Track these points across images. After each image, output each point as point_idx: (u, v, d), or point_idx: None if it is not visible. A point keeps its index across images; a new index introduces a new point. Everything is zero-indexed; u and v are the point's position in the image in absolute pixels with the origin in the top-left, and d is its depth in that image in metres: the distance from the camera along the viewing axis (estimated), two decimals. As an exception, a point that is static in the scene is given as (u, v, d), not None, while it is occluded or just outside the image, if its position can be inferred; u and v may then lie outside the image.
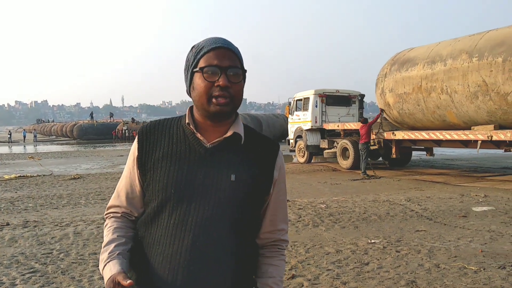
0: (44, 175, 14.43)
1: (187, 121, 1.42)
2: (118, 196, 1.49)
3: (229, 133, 1.41)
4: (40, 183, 12.35)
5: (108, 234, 1.43)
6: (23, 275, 4.50)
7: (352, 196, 9.21)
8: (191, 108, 1.47)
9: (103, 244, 1.41)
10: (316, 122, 16.94)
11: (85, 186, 11.54)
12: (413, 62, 12.65)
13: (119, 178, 1.52)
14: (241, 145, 1.44)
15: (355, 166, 14.29)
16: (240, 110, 1.51)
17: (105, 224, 1.49)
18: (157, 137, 1.44)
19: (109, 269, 1.32)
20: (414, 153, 16.19)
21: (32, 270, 4.66)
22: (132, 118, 59.53)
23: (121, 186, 1.49)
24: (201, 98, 1.37)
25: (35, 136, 55.51)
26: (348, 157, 14.89)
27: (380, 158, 15.58)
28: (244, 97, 1.52)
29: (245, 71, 1.43)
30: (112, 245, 1.38)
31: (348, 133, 15.91)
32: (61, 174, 14.73)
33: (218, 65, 1.35)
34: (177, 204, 1.36)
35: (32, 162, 20.53)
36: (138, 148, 1.45)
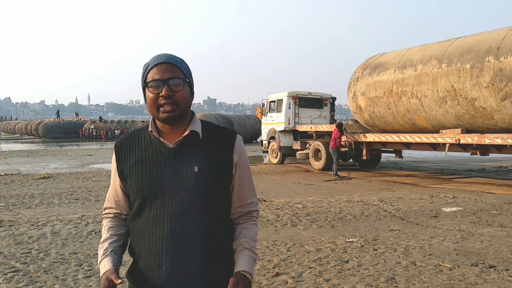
0: (12, 174, 14.07)
1: (150, 129, 1.65)
2: (108, 200, 1.77)
3: (186, 132, 1.63)
4: (9, 182, 12.04)
5: (103, 233, 1.72)
6: (5, 274, 4.44)
7: (326, 197, 9.41)
8: (154, 118, 1.67)
9: (100, 241, 1.70)
10: (289, 123, 17.16)
11: (56, 186, 11.32)
12: (385, 66, 12.99)
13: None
14: (200, 140, 1.65)
15: (327, 167, 14.57)
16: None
17: (102, 223, 1.78)
18: (129, 147, 1.69)
19: (103, 266, 1.60)
20: (382, 155, 16.60)
21: (13, 269, 4.60)
22: (100, 117, 58.38)
23: (109, 192, 1.77)
24: (152, 109, 1.60)
25: (-2, 134, 53.77)
26: (321, 159, 15.15)
27: (351, 160, 15.91)
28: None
29: (187, 79, 1.62)
30: (106, 243, 1.66)
31: (320, 135, 16.18)
32: (30, 173, 14.38)
33: (160, 78, 1.57)
34: (153, 199, 1.59)
35: (-3, 161, 19.95)
36: (116, 159, 1.71)
